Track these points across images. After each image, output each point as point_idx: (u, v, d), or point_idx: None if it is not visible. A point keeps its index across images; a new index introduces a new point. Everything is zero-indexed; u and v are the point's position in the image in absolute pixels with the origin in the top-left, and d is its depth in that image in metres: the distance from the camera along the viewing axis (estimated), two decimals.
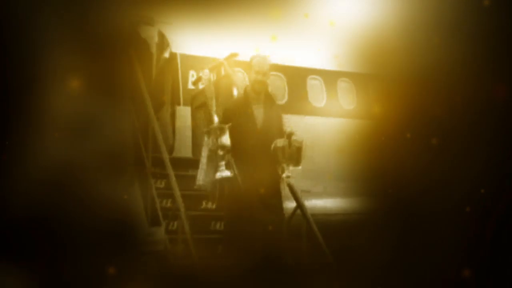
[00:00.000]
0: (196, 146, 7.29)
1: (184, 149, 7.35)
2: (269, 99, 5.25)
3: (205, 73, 5.18)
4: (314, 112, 8.12)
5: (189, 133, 7.42)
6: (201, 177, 5.05)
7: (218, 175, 4.82)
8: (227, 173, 4.81)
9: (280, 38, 7.54)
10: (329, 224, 6.25)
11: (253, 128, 5.05)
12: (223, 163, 4.79)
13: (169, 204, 6.01)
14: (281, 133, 5.05)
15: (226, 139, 4.78)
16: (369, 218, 6.29)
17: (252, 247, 4.89)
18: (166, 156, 5.89)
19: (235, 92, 6.42)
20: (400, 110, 5.57)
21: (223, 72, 6.86)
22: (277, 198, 5.12)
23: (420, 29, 5.16)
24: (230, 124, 4.83)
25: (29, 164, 4.83)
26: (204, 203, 6.35)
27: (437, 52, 5.03)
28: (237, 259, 5.08)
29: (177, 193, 5.50)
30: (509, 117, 4.87)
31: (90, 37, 5.15)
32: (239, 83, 6.72)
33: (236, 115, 5.06)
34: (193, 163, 6.75)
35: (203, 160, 5.04)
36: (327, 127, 8.04)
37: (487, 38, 4.84)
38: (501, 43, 4.85)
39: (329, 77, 8.34)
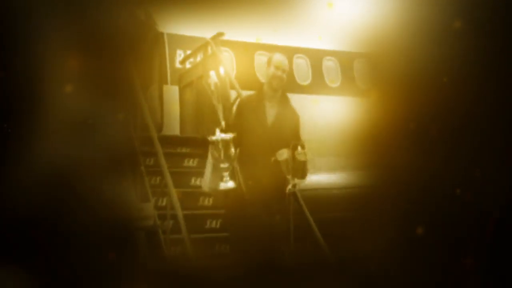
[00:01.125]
0: (184, 124, 7.40)
1: (172, 128, 7.46)
2: (284, 99, 5.12)
3: (212, 77, 5.06)
4: (301, 90, 8.23)
5: (177, 112, 7.51)
6: (205, 183, 4.97)
7: (222, 185, 4.78)
8: (231, 184, 4.77)
9: (268, 18, 7.61)
10: (320, 198, 6.36)
11: (263, 125, 4.96)
12: (227, 174, 4.76)
13: (157, 182, 6.09)
14: (296, 136, 4.94)
15: (230, 152, 4.73)
16: (361, 191, 6.37)
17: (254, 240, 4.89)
18: (154, 134, 5.96)
19: (221, 71, 6.48)
20: (391, 87, 5.60)
21: (209, 52, 6.93)
22: (282, 202, 4.93)
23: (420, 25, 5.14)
24: (233, 135, 4.67)
25: (27, 157, 4.83)
26: (193, 180, 6.45)
27: (437, 39, 5.00)
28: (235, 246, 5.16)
29: (165, 170, 5.57)
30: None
31: (80, 22, 5.15)
32: (226, 62, 6.79)
33: (246, 113, 4.98)
34: (181, 141, 6.89)
35: (208, 166, 4.93)
36: (316, 104, 8.14)
37: (485, 24, 4.83)
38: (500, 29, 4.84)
39: (314, 56, 8.44)
